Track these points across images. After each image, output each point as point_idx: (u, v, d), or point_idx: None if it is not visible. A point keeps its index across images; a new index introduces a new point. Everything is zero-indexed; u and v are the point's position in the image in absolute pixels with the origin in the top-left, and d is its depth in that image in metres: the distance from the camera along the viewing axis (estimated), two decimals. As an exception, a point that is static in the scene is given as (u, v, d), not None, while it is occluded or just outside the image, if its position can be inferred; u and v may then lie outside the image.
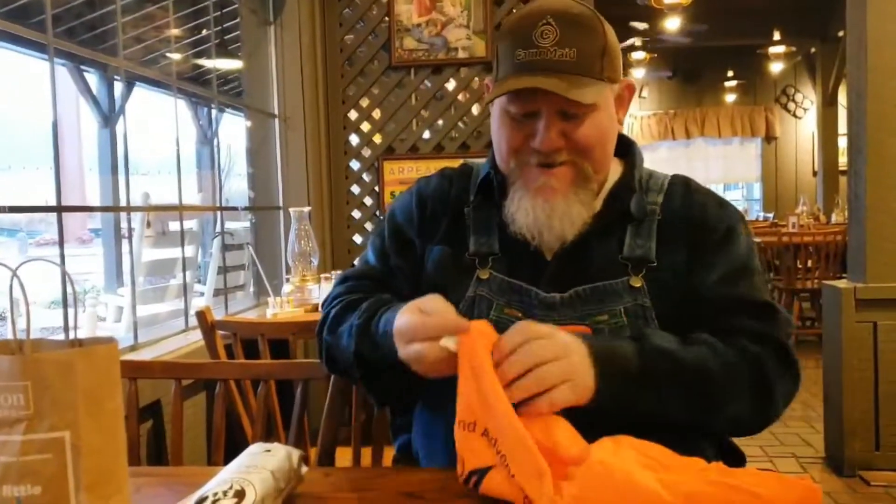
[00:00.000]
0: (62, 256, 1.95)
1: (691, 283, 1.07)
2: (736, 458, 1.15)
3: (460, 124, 3.42)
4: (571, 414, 0.89)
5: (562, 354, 0.90)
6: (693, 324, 1.04)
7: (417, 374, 0.97)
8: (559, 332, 0.93)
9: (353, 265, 1.30)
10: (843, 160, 9.41)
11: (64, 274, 1.76)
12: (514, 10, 3.13)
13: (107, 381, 0.74)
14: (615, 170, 1.16)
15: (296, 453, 0.90)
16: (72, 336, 0.77)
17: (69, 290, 2.02)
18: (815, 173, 10.61)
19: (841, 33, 8.23)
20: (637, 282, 1.06)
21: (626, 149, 1.18)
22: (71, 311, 2.05)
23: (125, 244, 5.64)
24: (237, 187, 4.53)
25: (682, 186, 1.15)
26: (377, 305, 1.08)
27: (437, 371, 0.94)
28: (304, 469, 0.91)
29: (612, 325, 1.04)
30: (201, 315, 1.95)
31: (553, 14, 1.02)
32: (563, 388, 0.88)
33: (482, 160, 1.22)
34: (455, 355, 0.90)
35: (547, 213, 1.06)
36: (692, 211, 1.12)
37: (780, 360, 1.04)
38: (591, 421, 0.90)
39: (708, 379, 0.99)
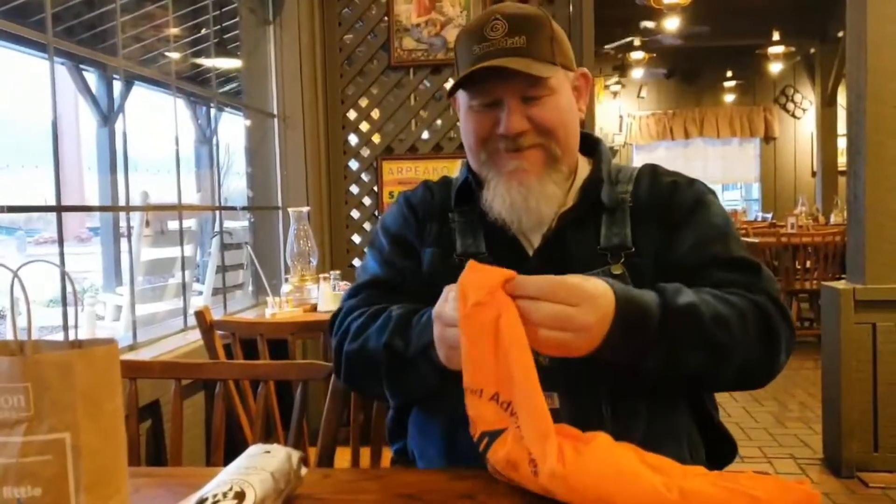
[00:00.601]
0: (62, 256, 1.94)
1: (669, 260, 1.09)
2: (727, 447, 1.16)
3: (458, 124, 3.41)
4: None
5: (579, 327, 0.87)
6: None
7: (440, 368, 0.97)
8: (587, 287, 0.88)
9: (352, 265, 1.29)
10: (841, 160, 9.42)
11: (64, 275, 1.76)
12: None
13: (106, 383, 0.74)
14: (584, 167, 1.19)
15: (295, 454, 0.90)
16: (72, 335, 0.77)
17: (69, 289, 2.02)
18: (813, 174, 10.62)
19: (840, 34, 8.24)
20: (618, 269, 1.08)
21: (592, 147, 1.21)
22: (71, 310, 2.05)
23: (124, 243, 5.64)
24: (236, 186, 4.53)
25: (650, 174, 1.18)
26: (416, 307, 1.08)
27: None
28: (304, 470, 0.91)
29: None
30: (200, 315, 1.95)
31: (501, 13, 1.10)
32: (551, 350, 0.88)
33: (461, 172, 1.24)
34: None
35: (523, 195, 1.09)
36: (661, 192, 1.14)
37: (777, 308, 1.03)
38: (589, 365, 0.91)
39: (725, 326, 0.96)
